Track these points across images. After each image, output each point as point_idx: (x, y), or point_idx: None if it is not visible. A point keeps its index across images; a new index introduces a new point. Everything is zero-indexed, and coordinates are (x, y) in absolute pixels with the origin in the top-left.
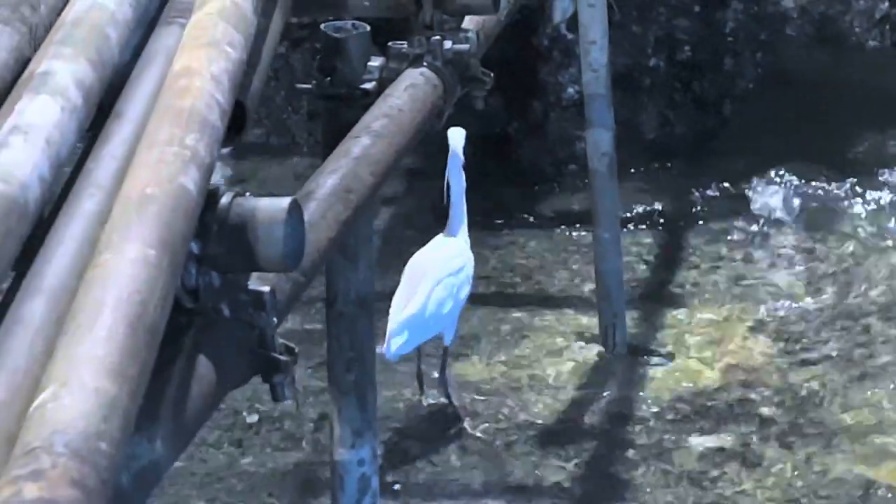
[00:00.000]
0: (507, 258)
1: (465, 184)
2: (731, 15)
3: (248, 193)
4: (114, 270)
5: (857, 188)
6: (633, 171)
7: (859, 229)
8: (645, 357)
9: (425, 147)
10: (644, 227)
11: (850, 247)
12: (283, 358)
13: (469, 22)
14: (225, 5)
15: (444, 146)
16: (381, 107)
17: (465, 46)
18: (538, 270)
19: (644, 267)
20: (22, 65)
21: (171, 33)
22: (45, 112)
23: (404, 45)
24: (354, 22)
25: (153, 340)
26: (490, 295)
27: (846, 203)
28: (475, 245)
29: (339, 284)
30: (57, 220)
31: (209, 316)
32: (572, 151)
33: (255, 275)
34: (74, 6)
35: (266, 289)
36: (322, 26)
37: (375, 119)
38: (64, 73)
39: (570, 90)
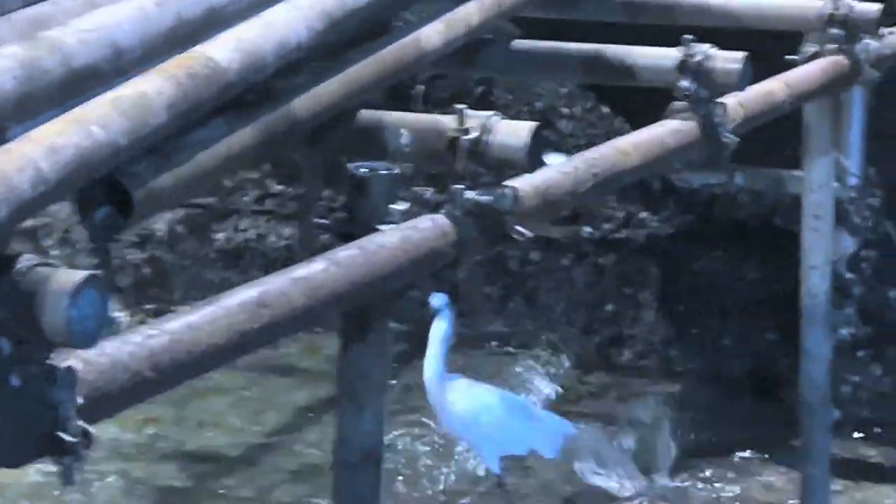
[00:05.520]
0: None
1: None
2: None
3: (62, 266)
4: None
5: None
6: None
7: None
8: None
9: None
10: None
11: None
12: (70, 439)
13: (524, 182)
14: (126, 94)
15: None
16: (361, 240)
17: (487, 199)
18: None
19: None
20: None
21: None
22: None
23: (428, 190)
24: (388, 164)
25: None
26: None
27: None
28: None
29: (346, 431)
30: None
31: None
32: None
33: (76, 354)
34: None
35: (62, 365)
36: (350, 165)
37: (346, 249)
38: None
39: (843, 331)
